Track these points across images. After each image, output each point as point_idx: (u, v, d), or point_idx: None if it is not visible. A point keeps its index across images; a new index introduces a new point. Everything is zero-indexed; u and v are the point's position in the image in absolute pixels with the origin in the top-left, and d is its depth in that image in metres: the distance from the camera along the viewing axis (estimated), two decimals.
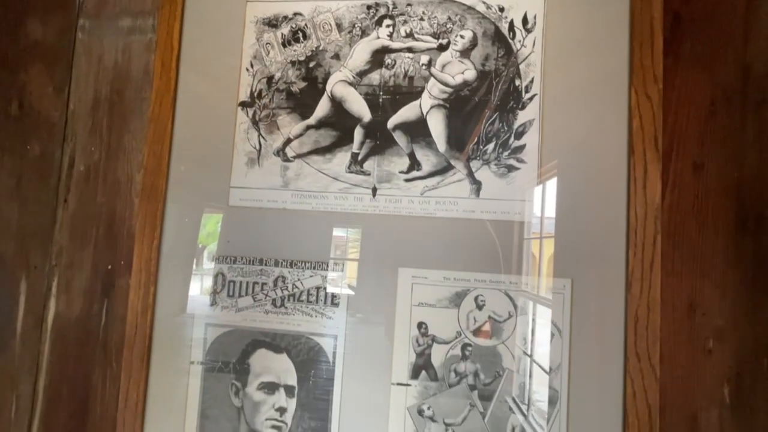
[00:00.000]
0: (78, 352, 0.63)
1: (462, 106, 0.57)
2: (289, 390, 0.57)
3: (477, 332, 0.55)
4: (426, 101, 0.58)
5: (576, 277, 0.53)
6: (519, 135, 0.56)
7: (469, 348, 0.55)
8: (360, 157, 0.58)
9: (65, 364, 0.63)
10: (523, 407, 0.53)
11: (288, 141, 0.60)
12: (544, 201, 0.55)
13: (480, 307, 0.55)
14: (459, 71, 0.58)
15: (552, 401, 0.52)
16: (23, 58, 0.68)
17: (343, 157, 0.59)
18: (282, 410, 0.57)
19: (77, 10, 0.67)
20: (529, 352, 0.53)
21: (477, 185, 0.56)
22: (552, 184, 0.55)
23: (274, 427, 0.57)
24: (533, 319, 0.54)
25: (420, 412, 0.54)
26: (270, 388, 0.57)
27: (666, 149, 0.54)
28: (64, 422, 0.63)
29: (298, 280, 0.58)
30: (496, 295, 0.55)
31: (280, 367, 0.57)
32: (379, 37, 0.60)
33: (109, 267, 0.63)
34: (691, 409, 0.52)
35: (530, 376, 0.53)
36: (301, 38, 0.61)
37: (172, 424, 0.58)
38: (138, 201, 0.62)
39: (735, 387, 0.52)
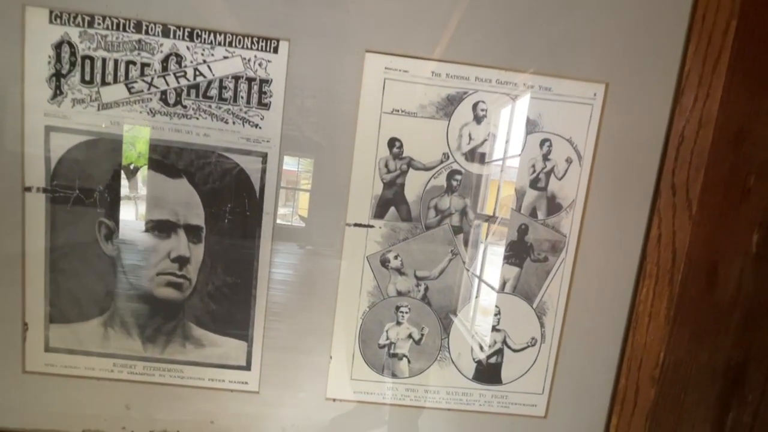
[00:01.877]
0: None
1: None
2: (192, 232, 0.38)
3: (471, 155, 0.39)
4: None
5: (613, 80, 0.38)
6: None
7: (459, 176, 0.39)
8: None
9: None
10: (520, 257, 0.40)
11: None
12: None
13: (479, 120, 0.38)
14: None
15: (557, 248, 0.40)
16: None
17: None
18: (182, 261, 0.38)
19: None
20: (538, 185, 0.39)
21: None
22: None
23: (170, 284, 0.38)
24: (548, 142, 0.38)
25: (384, 263, 0.39)
26: (162, 229, 0.38)
27: None
28: None
29: (204, 62, 0.36)
30: (502, 102, 0.38)
31: (178, 199, 0.37)
32: None
33: None
34: (713, 258, 0.42)
35: (534, 216, 0.40)
36: None
37: (5, 282, 0.37)
38: None
39: (765, 235, 0.43)
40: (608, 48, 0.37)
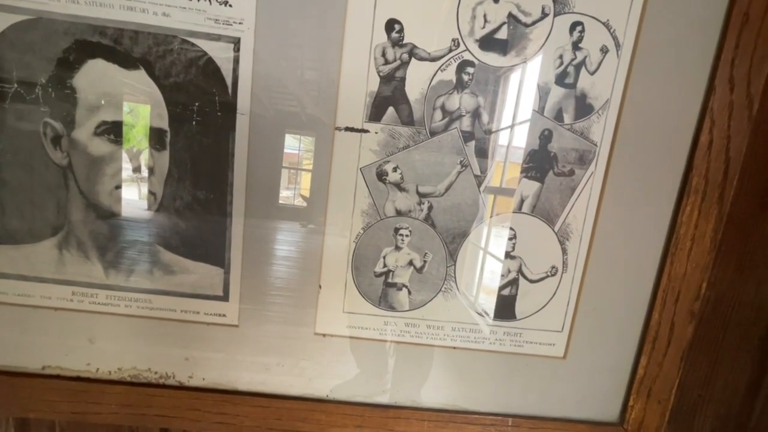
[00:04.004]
0: None
1: None
2: (155, 137, 0.32)
3: (487, 42, 0.32)
4: None
5: None
6: None
7: (471, 69, 0.32)
8: None
9: None
10: (542, 170, 0.33)
11: None
12: None
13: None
14: None
15: (586, 159, 0.33)
16: None
17: None
18: (139, 170, 0.32)
19: None
20: (566, 80, 0.32)
21: None
22: None
23: (124, 198, 0.33)
24: (579, 26, 0.31)
25: (381, 176, 0.33)
26: (119, 133, 0.32)
27: None
28: None
29: None
30: None
31: (137, 91, 0.31)
32: None
33: None
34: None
35: (559, 119, 0.33)
36: None
37: None
38: None
39: None
40: None
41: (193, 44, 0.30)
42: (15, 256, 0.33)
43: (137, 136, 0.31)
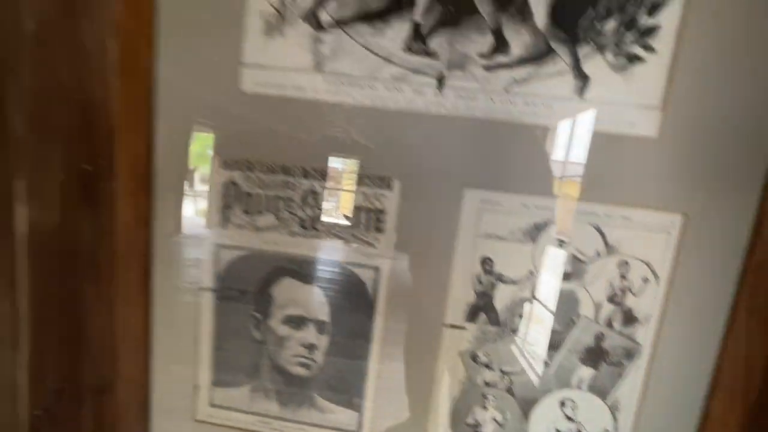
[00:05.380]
0: (62, 267, 0.50)
1: None
2: (319, 325, 0.46)
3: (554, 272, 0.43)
4: None
5: (691, 211, 0.40)
6: (654, 9, 0.37)
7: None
8: (424, 30, 0.40)
9: (48, 280, 0.50)
10: (596, 360, 0.44)
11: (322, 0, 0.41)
12: (669, 105, 0.39)
13: (561, 244, 0.42)
14: None
15: (631, 355, 0.43)
16: None
17: (399, 29, 0.40)
18: (311, 347, 0.47)
19: None
20: (614, 300, 0.43)
21: (583, 81, 0.39)
22: (687, 83, 0.38)
23: (302, 364, 0.47)
24: (626, 262, 0.42)
25: (474, 358, 0.45)
26: (297, 322, 0.46)
27: None
28: (57, 343, 0.52)
29: (334, 196, 0.44)
30: (583, 229, 0.42)
31: (310, 300, 0.46)
32: None
33: (87, 167, 0.47)
34: None
35: (610, 326, 0.43)
36: None
37: (183, 356, 0.48)
38: (116, 77, 0.43)
39: None
40: (687, 182, 0.39)
41: (349, 269, 0.44)
42: (225, 395, 0.49)
43: (309, 325, 0.46)
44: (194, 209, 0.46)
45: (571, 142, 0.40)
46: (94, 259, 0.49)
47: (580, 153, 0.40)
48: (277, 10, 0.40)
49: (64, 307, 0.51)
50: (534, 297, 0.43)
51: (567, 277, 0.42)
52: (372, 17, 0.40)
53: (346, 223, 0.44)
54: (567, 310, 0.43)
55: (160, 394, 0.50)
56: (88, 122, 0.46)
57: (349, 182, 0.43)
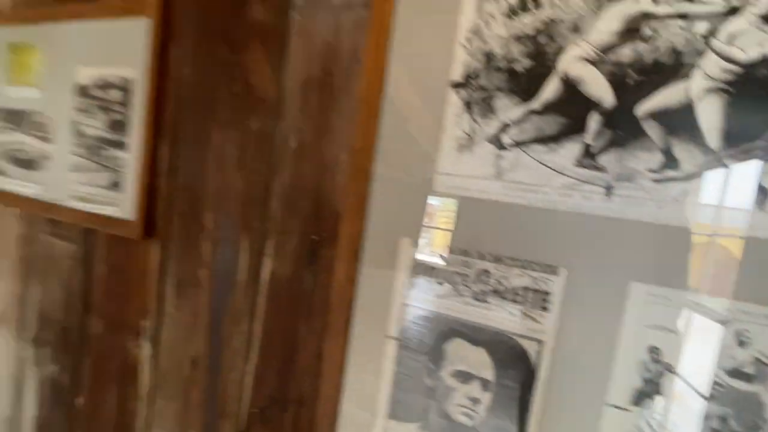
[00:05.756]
0: (288, 306, 0.69)
1: (754, 90, 0.42)
2: (484, 383, 0.54)
3: (734, 373, 0.44)
4: (698, 83, 0.44)
5: None
6: None
7: (720, 388, 0.44)
8: (594, 150, 0.48)
9: (277, 314, 0.70)
10: None
11: (505, 127, 0.52)
12: None
13: (742, 344, 0.43)
14: (756, 43, 0.42)
15: None
16: (246, 39, 0.71)
17: (571, 148, 0.49)
18: (475, 401, 0.55)
19: None
20: None
21: (763, 194, 0.42)
22: None
23: (465, 414, 0.55)
24: None
25: None
26: (464, 377, 0.55)
27: None
28: (276, 361, 0.71)
29: (504, 276, 0.53)
30: (764, 332, 0.42)
31: (477, 360, 0.55)
32: (638, 1, 0.46)
33: (315, 237, 0.66)
34: None
35: None
36: (532, 7, 0.51)
37: (368, 385, 0.61)
38: (345, 180, 0.62)
39: None
40: None
41: (514, 339, 0.52)
42: (399, 429, 0.60)
43: (474, 381, 0.55)
44: (388, 276, 0.60)
45: (747, 248, 0.42)
46: (311, 303, 0.67)
47: (756, 257, 0.42)
48: (468, 135, 0.54)
49: (285, 334, 0.70)
50: (703, 395, 0.44)
51: (749, 378, 0.42)
52: (547, 140, 0.50)
53: (514, 299, 0.52)
54: (750, 413, 0.42)
55: (347, 414, 0.63)
56: (321, 207, 0.65)
57: (518, 265, 0.52)
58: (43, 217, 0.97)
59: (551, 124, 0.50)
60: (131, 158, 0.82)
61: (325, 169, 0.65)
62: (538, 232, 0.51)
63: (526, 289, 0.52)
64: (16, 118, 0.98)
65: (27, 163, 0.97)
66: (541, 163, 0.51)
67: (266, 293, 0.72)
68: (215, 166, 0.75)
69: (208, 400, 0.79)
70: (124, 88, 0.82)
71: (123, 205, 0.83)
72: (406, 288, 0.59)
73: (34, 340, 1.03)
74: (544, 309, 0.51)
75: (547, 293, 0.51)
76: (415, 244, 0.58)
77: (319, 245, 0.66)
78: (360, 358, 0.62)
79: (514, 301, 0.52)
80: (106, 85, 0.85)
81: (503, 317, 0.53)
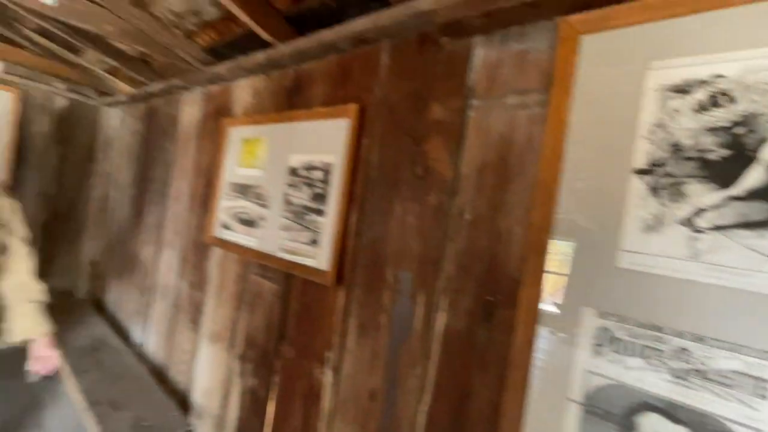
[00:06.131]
0: (461, 357, 0.79)
1: None
2: None
3: None
4: None
5: None
6: None
7: None
8: None
9: (450, 363, 0.81)
10: None
11: (699, 211, 0.55)
12: None
13: None
14: None
15: None
16: (427, 133, 0.89)
17: None
18: None
19: (469, 94, 0.83)
20: None
21: None
22: None
23: None
24: None
25: None
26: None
27: None
28: (448, 405, 0.81)
29: (708, 357, 0.53)
30: None
31: None
32: None
33: (490, 298, 0.75)
34: None
35: None
36: (724, 102, 0.55)
37: None
38: (519, 249, 0.71)
39: None
40: None
41: (722, 422, 0.51)
42: None
43: None
44: (569, 341, 0.65)
45: None
46: (485, 357, 0.76)
47: None
48: (656, 216, 0.58)
49: (457, 382, 0.79)
50: None
51: None
52: (753, 225, 0.51)
53: (723, 381, 0.52)
54: None
55: None
56: (495, 272, 0.75)
57: (725, 347, 0.51)
58: (257, 262, 1.30)
59: (758, 210, 0.51)
60: (328, 222, 1.06)
61: (499, 239, 0.75)
62: (749, 315, 0.51)
63: (736, 373, 0.51)
64: (244, 189, 1.37)
65: (249, 222, 1.32)
66: (748, 248, 0.51)
67: (440, 342, 0.83)
68: (396, 232, 0.93)
69: (382, 430, 0.91)
70: (325, 169, 1.09)
71: (319, 258, 1.07)
72: (589, 355, 0.62)
73: (240, 357, 1.34)
74: (763, 397, 0.49)
75: (765, 381, 0.49)
76: (599, 314, 0.62)
77: (494, 306, 0.75)
78: (540, 415, 0.66)
79: (723, 384, 0.52)
80: (311, 167, 1.13)
81: (709, 399, 0.52)
